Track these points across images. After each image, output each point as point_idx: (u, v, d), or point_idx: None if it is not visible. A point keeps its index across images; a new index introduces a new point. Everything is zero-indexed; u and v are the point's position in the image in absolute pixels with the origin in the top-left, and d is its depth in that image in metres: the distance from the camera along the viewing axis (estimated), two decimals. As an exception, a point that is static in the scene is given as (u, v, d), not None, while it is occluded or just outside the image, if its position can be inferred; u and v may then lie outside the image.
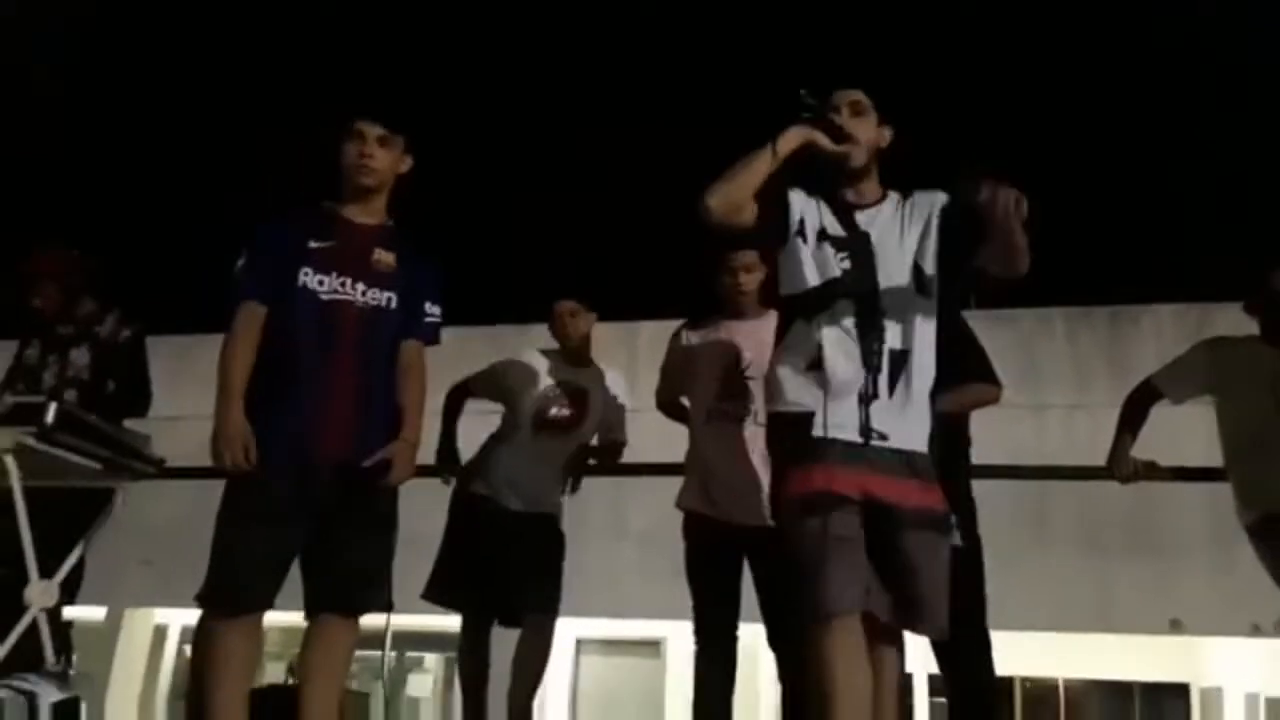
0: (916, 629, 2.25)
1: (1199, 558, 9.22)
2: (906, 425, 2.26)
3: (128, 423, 3.41)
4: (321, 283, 2.49)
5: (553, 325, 3.57)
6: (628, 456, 4.11)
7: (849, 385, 2.25)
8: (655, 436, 3.66)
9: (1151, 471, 3.25)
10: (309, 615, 2.45)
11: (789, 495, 2.24)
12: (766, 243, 2.49)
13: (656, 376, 3.47)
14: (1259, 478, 3.08)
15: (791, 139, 2.29)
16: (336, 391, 2.44)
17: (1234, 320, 3.44)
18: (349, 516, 2.42)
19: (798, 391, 2.29)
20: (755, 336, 3.12)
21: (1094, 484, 3.75)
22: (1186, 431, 3.69)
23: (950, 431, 2.93)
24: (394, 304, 2.55)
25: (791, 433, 2.27)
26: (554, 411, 3.48)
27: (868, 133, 2.36)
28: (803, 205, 2.36)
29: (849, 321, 2.28)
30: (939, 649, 2.81)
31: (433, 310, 2.65)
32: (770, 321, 3.21)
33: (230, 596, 2.36)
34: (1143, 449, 3.24)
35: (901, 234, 2.34)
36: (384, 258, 2.57)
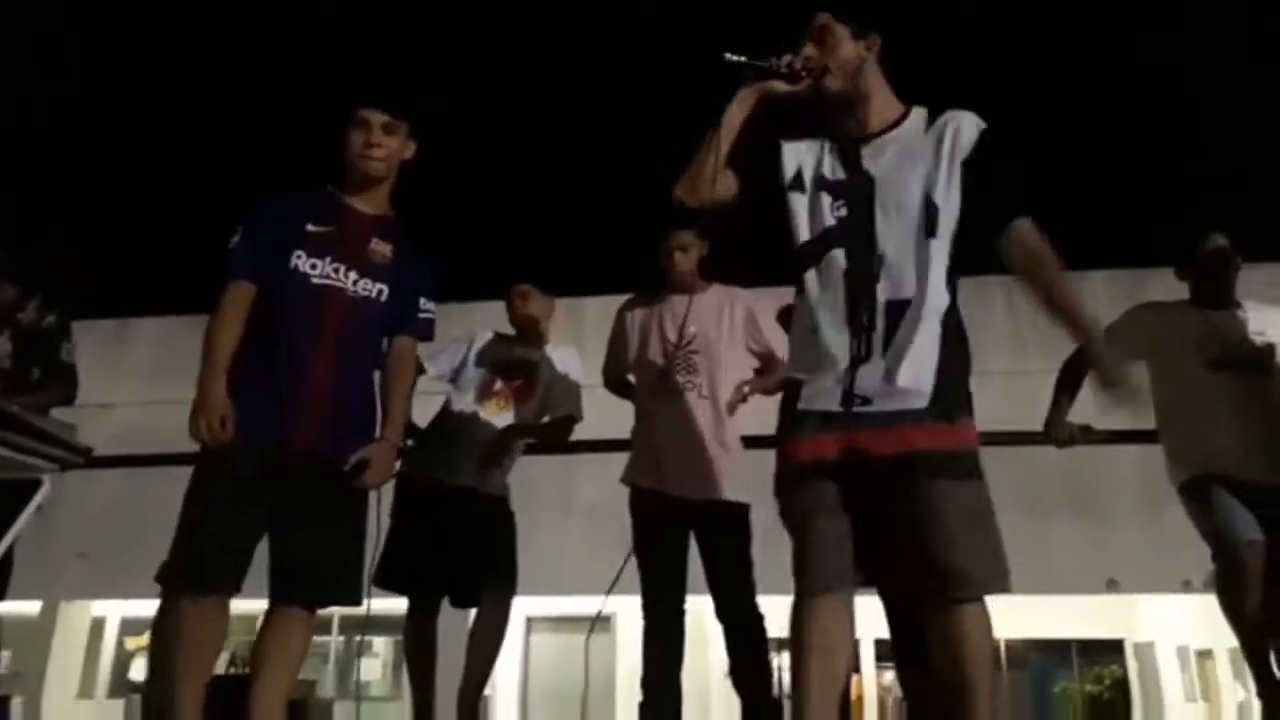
0: (934, 590, 1.94)
1: (1133, 518, 9.50)
2: (897, 385, 1.99)
3: (55, 412, 3.30)
4: (314, 266, 2.43)
5: (509, 306, 3.58)
6: (575, 432, 4.10)
7: (836, 347, 2.05)
8: (601, 412, 3.65)
9: (1087, 435, 3.30)
10: (270, 604, 2.39)
11: (776, 471, 2.12)
12: (758, 207, 2.25)
13: (601, 352, 3.45)
14: (1190, 439, 3.15)
15: (738, 105, 2.14)
16: (316, 378, 2.38)
17: (1167, 285, 3.51)
18: (316, 506, 2.35)
19: (796, 358, 2.17)
20: (698, 310, 3.14)
21: (1032, 449, 3.81)
22: (1120, 396, 3.77)
23: None
24: (384, 296, 2.49)
25: (785, 403, 2.15)
26: (497, 386, 3.46)
27: (839, 55, 2.13)
28: (800, 155, 2.19)
29: (840, 276, 2.07)
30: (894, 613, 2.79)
31: (426, 306, 2.59)
32: (714, 295, 3.23)
33: (192, 575, 2.28)
34: (1078, 414, 3.30)
35: (914, 164, 2.08)
36: (380, 248, 2.50)
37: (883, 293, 2.04)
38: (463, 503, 3.34)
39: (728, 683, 3.60)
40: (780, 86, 2.13)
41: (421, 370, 3.39)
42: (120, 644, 13.37)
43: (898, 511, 1.95)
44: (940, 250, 2.05)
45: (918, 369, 2.00)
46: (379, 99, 2.54)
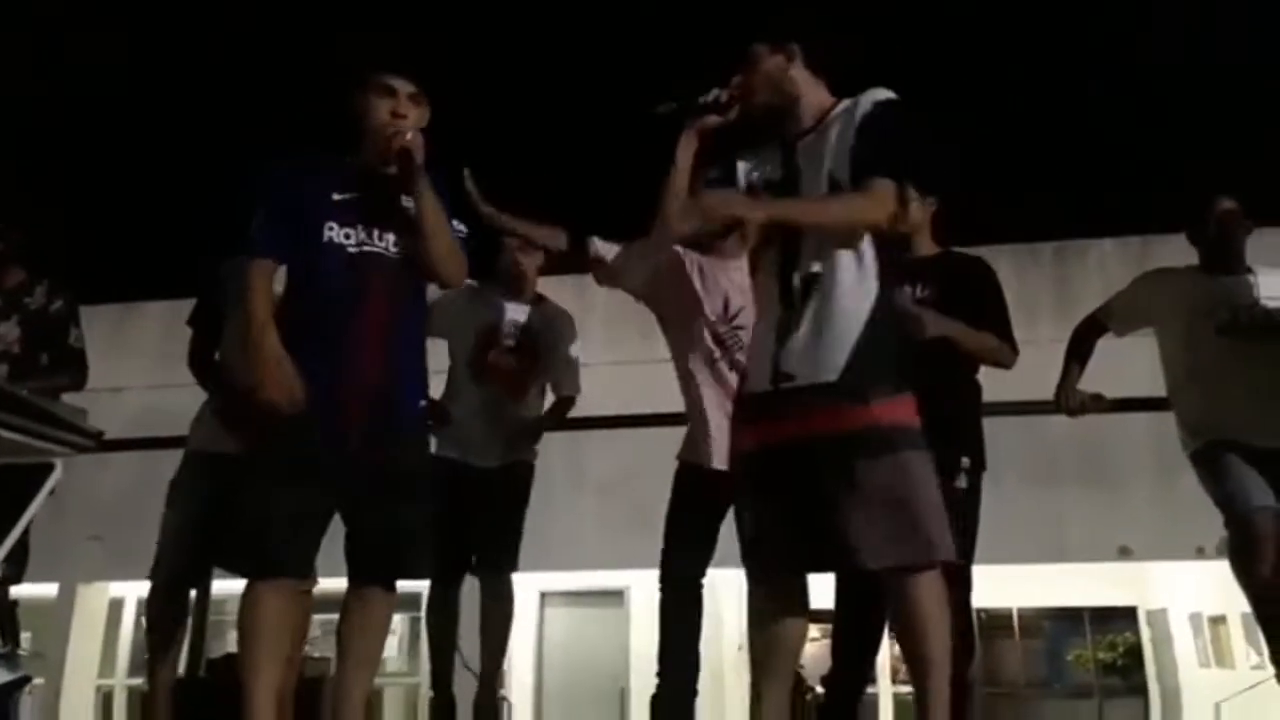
0: (851, 564, 2.10)
1: (1145, 486, 9.47)
2: (816, 357, 2.12)
3: (65, 396, 3.32)
4: (348, 236, 2.39)
5: (501, 255, 3.48)
6: (583, 408, 4.10)
7: (767, 330, 2.22)
8: (613, 389, 3.65)
9: (1098, 404, 3.29)
10: (348, 582, 2.38)
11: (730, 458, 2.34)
12: (724, 231, 2.57)
13: (611, 329, 3.43)
14: (1201, 406, 3.13)
15: (683, 148, 2.32)
16: (369, 344, 2.35)
17: (1175, 251, 3.49)
18: (380, 479, 2.33)
19: (750, 351, 2.33)
20: (740, 278, 2.95)
21: (1043, 418, 3.80)
22: (1131, 363, 3.75)
23: (962, 375, 2.96)
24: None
25: (737, 390, 2.34)
26: (493, 357, 3.41)
27: (760, 72, 2.29)
28: (750, 167, 2.36)
29: (775, 266, 2.23)
30: None
31: (460, 227, 2.56)
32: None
33: (260, 560, 2.26)
34: (1089, 382, 3.28)
35: (825, 148, 2.22)
36: (409, 204, 2.45)
37: (801, 269, 2.18)
38: (469, 478, 3.34)
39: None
40: (714, 120, 2.33)
41: None
42: (138, 625, 13.50)
43: (820, 492, 2.09)
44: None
45: (833, 341, 2.12)
46: (404, 66, 2.49)
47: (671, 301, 3.13)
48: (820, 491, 2.09)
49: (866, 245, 2.16)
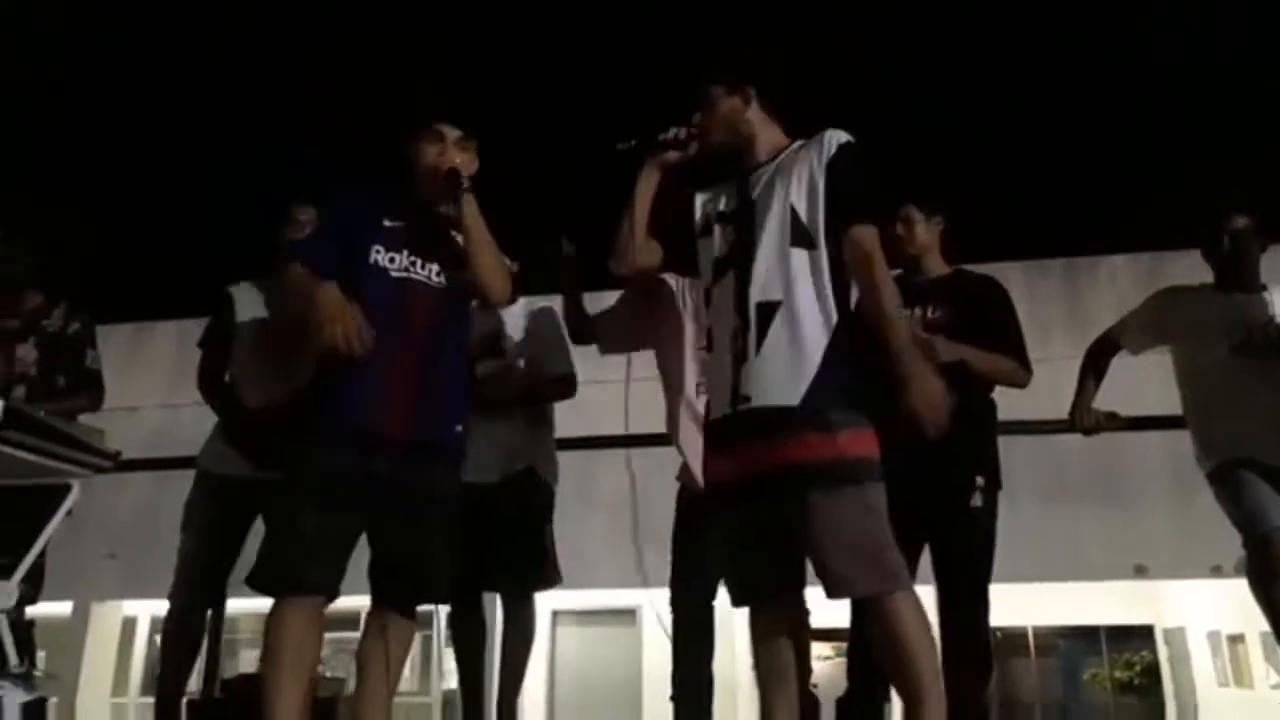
0: (831, 592, 2.12)
1: (1161, 504, 9.42)
2: (775, 380, 2.15)
3: (81, 416, 3.34)
4: (392, 260, 2.44)
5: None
6: (594, 427, 4.09)
7: (723, 356, 2.25)
8: (621, 406, 3.63)
9: (1113, 422, 3.27)
10: (371, 605, 2.40)
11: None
12: (681, 264, 2.56)
13: (613, 358, 3.35)
14: (1218, 424, 3.11)
15: (643, 184, 2.40)
16: (403, 372, 2.36)
17: (1186, 267, 3.48)
18: (408, 504, 2.34)
19: (706, 382, 2.42)
20: None
21: (1058, 436, 3.78)
22: (1146, 381, 3.74)
23: (976, 395, 2.94)
24: (463, 283, 2.51)
25: (705, 418, 2.37)
26: (480, 370, 3.30)
27: (717, 112, 2.38)
28: (705, 201, 2.44)
29: (730, 294, 2.26)
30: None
31: (510, 265, 2.64)
32: None
33: (290, 577, 2.26)
34: (1104, 400, 3.27)
35: (783, 182, 2.27)
36: (458, 240, 2.51)
37: (754, 296, 2.21)
38: (480, 496, 3.31)
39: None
40: (673, 156, 2.42)
41: None
42: (151, 643, 13.52)
43: (787, 522, 2.13)
44: (812, 259, 2.21)
45: (790, 365, 2.15)
46: (455, 115, 2.58)
47: (661, 327, 3.13)
48: (787, 520, 2.12)
49: (825, 274, 2.20)
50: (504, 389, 3.28)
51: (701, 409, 2.93)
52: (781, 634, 2.25)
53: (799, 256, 2.20)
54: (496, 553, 3.27)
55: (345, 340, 2.26)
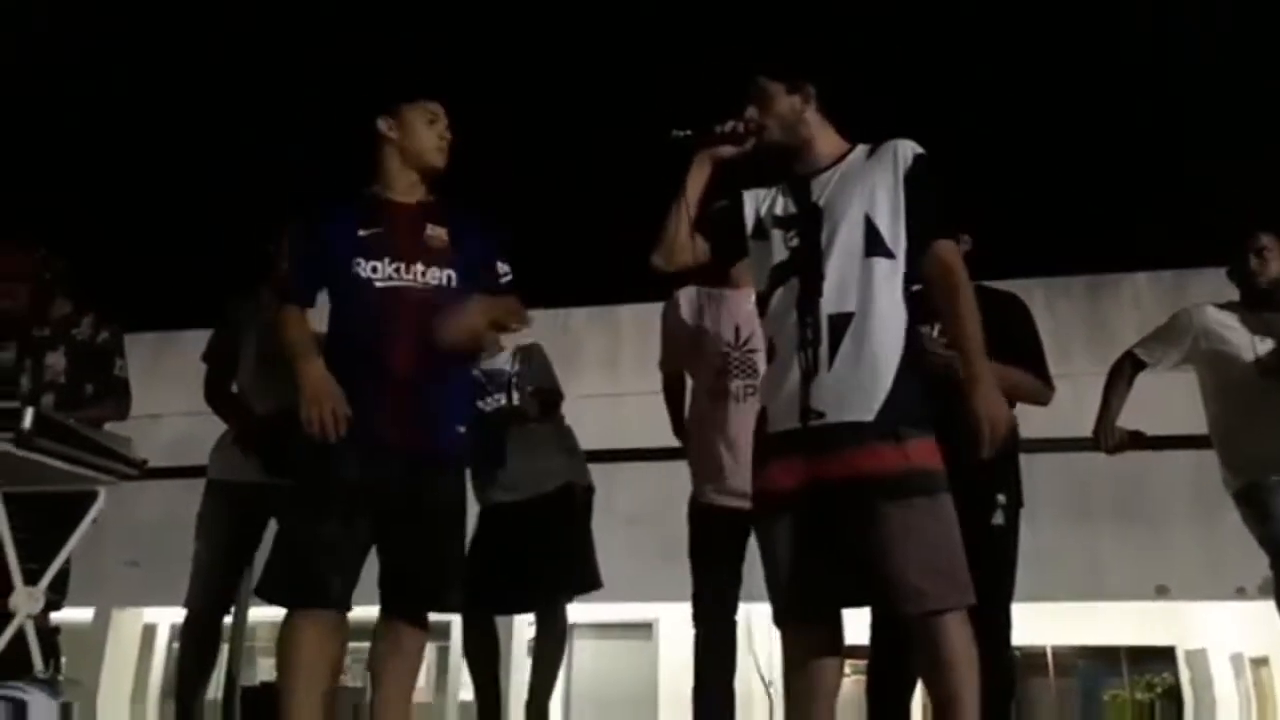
0: (891, 608, 2.11)
1: (1184, 525, 9.33)
2: (849, 395, 2.11)
3: (107, 424, 3.37)
4: (375, 270, 2.41)
5: None
6: (613, 441, 4.10)
7: (790, 366, 2.18)
8: (642, 421, 3.65)
9: (1137, 441, 3.25)
10: (380, 613, 2.39)
11: (751, 497, 2.30)
12: (729, 264, 2.57)
13: (640, 360, 3.43)
14: (1244, 444, 3.09)
15: (695, 174, 2.32)
16: (401, 378, 2.36)
17: (1210, 285, 3.46)
18: (416, 512, 2.34)
19: (763, 387, 2.33)
20: (751, 307, 3.03)
21: (1080, 455, 3.76)
22: (1171, 400, 3.72)
23: None
24: (454, 281, 2.45)
25: (756, 431, 2.29)
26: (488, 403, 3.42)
27: (776, 110, 2.30)
28: (759, 202, 2.36)
29: (793, 302, 2.20)
30: None
31: (504, 269, 2.58)
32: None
33: (301, 589, 2.27)
34: (1127, 418, 3.25)
35: (856, 190, 2.22)
36: (436, 233, 2.46)
37: (826, 307, 2.16)
38: (508, 515, 3.36)
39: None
40: (728, 150, 2.33)
41: None
42: (171, 650, 13.59)
43: (854, 535, 2.07)
44: (887, 269, 2.17)
45: (866, 380, 2.11)
46: (438, 92, 2.54)
47: (686, 348, 3.15)
48: (855, 532, 2.07)
49: (899, 287, 2.18)
50: (528, 407, 3.39)
51: (740, 414, 2.95)
52: (825, 654, 2.18)
53: (876, 267, 2.16)
54: (538, 562, 3.31)
55: (322, 424, 2.28)
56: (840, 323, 2.14)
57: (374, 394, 2.35)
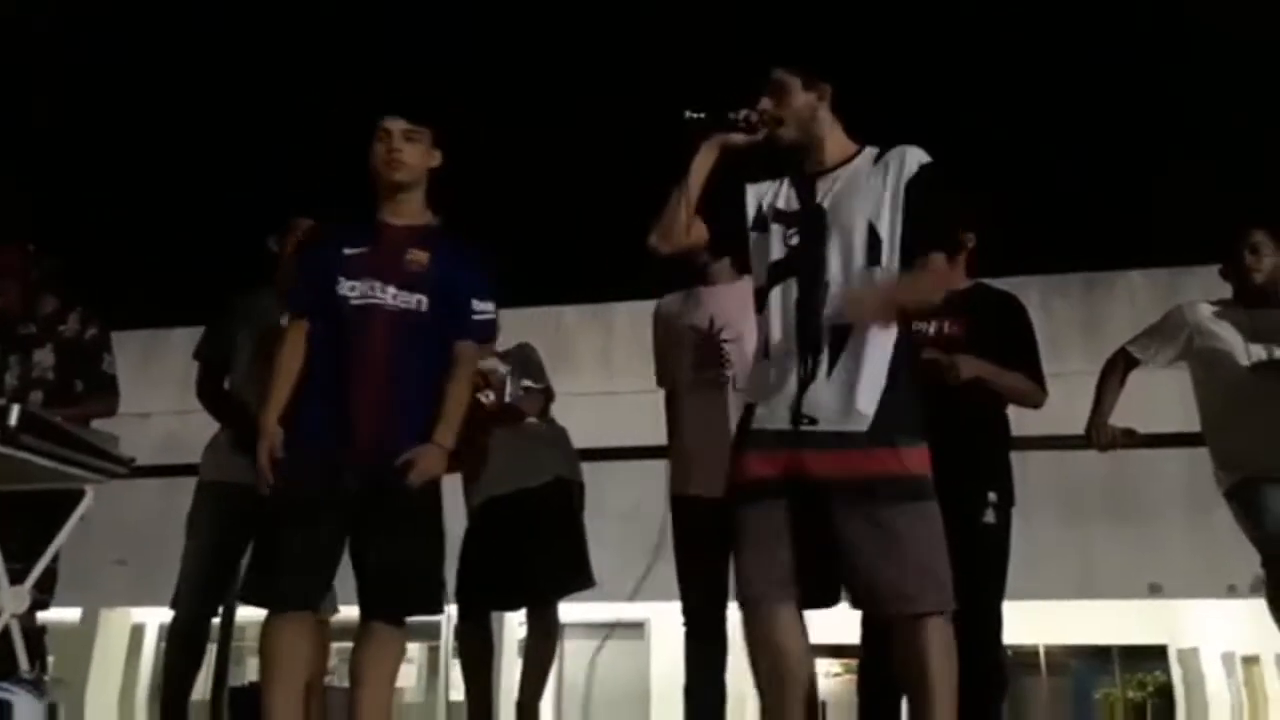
0: (873, 608, 2.15)
1: (1177, 522, 9.35)
2: (843, 405, 2.12)
3: (95, 422, 3.35)
4: (353, 288, 2.47)
5: None
6: (606, 439, 4.09)
7: (784, 368, 2.18)
8: (632, 419, 3.63)
9: (1129, 439, 3.24)
10: (360, 617, 2.44)
11: (726, 486, 2.28)
12: (726, 252, 2.56)
13: (633, 357, 3.43)
14: (1236, 442, 3.09)
15: (702, 158, 2.29)
16: (369, 388, 2.42)
17: (1204, 283, 3.46)
18: (389, 516, 2.38)
19: (751, 383, 2.33)
20: (726, 299, 3.02)
21: (1073, 452, 3.76)
22: (1163, 397, 3.71)
23: (989, 410, 2.93)
24: (425, 305, 2.48)
25: (740, 426, 2.28)
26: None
27: (791, 105, 2.28)
28: (761, 195, 2.35)
29: (792, 303, 2.21)
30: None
31: (482, 308, 2.58)
32: (744, 286, 3.17)
33: (268, 592, 2.36)
34: (1120, 416, 3.24)
35: (861, 196, 2.21)
36: (416, 257, 2.50)
37: (828, 316, 2.16)
38: (505, 508, 3.35)
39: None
40: (739, 138, 2.30)
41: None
42: (159, 650, 13.55)
43: (838, 532, 2.08)
44: (887, 275, 2.17)
45: (862, 391, 2.12)
46: (400, 107, 2.55)
47: (669, 351, 3.18)
48: (838, 530, 2.08)
49: None
50: (527, 405, 3.40)
51: (714, 404, 2.96)
52: (787, 643, 2.15)
53: (877, 276, 2.16)
54: (530, 560, 3.30)
55: (258, 474, 2.41)
56: (840, 333, 2.15)
57: (340, 407, 2.41)
